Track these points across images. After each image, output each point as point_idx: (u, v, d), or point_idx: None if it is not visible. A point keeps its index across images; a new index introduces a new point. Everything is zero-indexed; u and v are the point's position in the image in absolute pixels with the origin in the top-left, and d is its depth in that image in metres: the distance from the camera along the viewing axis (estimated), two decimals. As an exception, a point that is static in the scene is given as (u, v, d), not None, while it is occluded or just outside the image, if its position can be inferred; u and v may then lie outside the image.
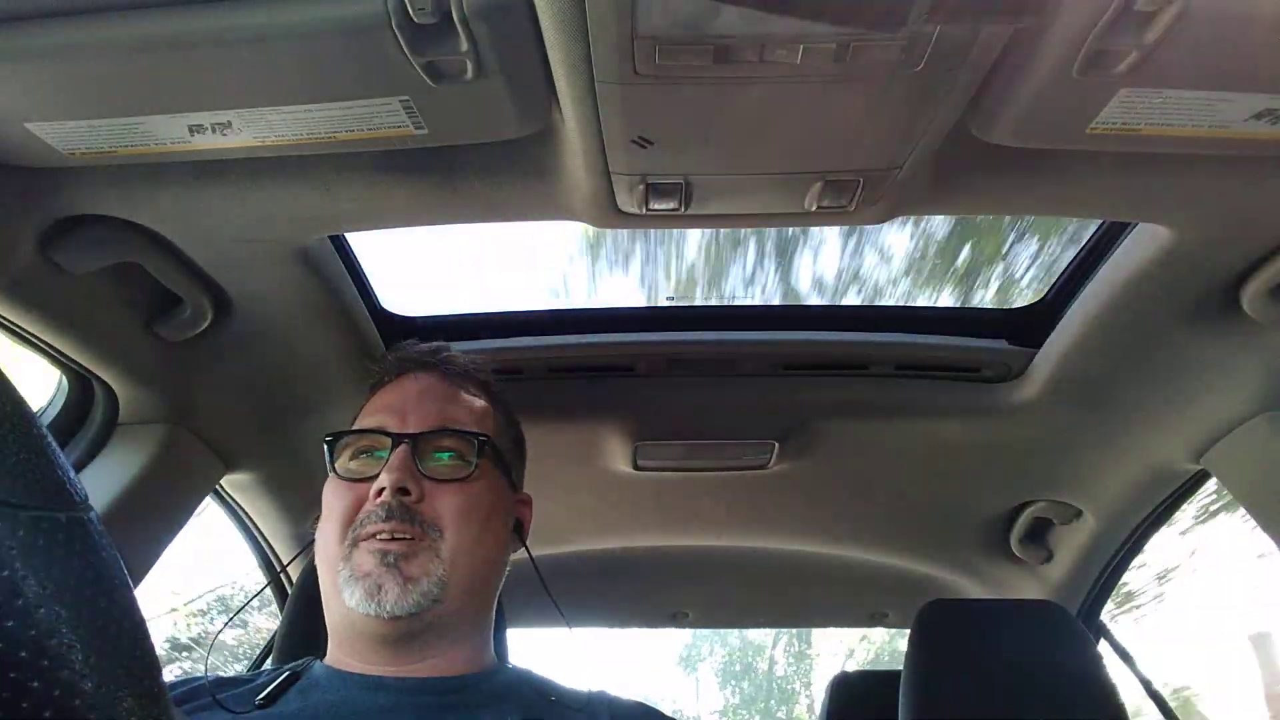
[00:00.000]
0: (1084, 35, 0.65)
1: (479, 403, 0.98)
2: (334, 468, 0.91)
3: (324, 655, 0.91)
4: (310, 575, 1.19)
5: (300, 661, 0.91)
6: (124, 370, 1.13)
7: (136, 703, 0.28)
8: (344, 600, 0.82)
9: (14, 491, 0.27)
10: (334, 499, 0.89)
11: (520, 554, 1.01)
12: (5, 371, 0.29)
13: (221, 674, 0.90)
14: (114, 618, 0.28)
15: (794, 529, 1.74)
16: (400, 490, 0.84)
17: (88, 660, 0.27)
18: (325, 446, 0.92)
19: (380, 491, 0.84)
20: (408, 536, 0.83)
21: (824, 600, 2.11)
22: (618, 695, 0.93)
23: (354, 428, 0.94)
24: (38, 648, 0.25)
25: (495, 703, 0.84)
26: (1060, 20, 0.64)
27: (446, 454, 0.90)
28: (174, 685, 0.86)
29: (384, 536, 0.83)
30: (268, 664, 1.34)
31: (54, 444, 0.29)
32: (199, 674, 0.88)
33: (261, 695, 0.82)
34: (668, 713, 0.93)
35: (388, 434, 0.89)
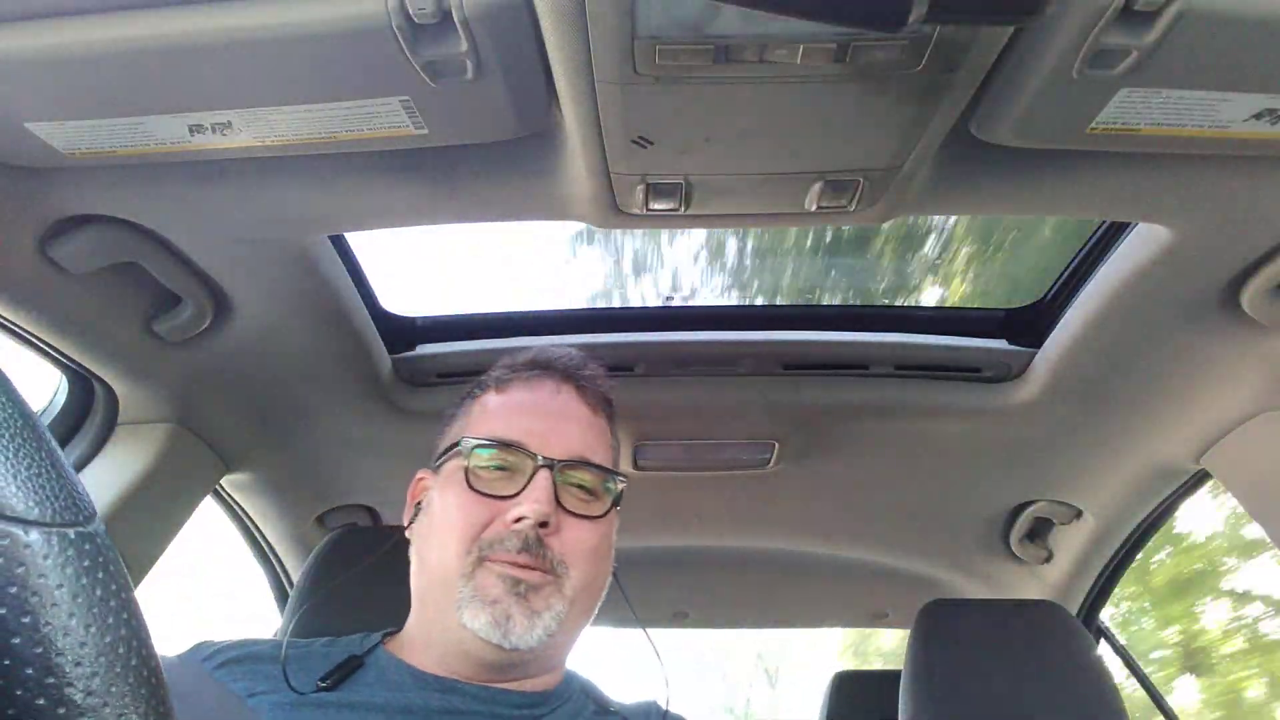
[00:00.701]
0: (1084, 35, 0.65)
1: (603, 423, 0.94)
2: (466, 473, 0.84)
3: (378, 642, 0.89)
4: (313, 576, 1.19)
5: (356, 641, 0.88)
6: (124, 370, 1.13)
7: None
8: (461, 620, 0.79)
9: (24, 507, 0.26)
10: (462, 510, 0.83)
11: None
12: (14, 383, 0.29)
13: (246, 639, 0.88)
14: (120, 635, 0.28)
15: (794, 529, 1.75)
16: (539, 523, 0.81)
17: (93, 677, 0.26)
18: (456, 446, 0.87)
19: (519, 519, 0.80)
20: (537, 569, 0.80)
21: (824, 600, 2.11)
22: (666, 707, 0.93)
23: (485, 433, 0.87)
24: (44, 665, 0.25)
25: (565, 717, 0.84)
26: (1060, 20, 0.64)
27: (583, 487, 0.86)
28: (227, 647, 0.85)
29: (515, 564, 0.80)
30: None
31: (63, 457, 0.29)
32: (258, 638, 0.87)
33: (324, 678, 0.81)
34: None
35: (529, 453, 0.84)
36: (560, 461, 0.85)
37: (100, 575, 0.28)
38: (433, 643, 0.85)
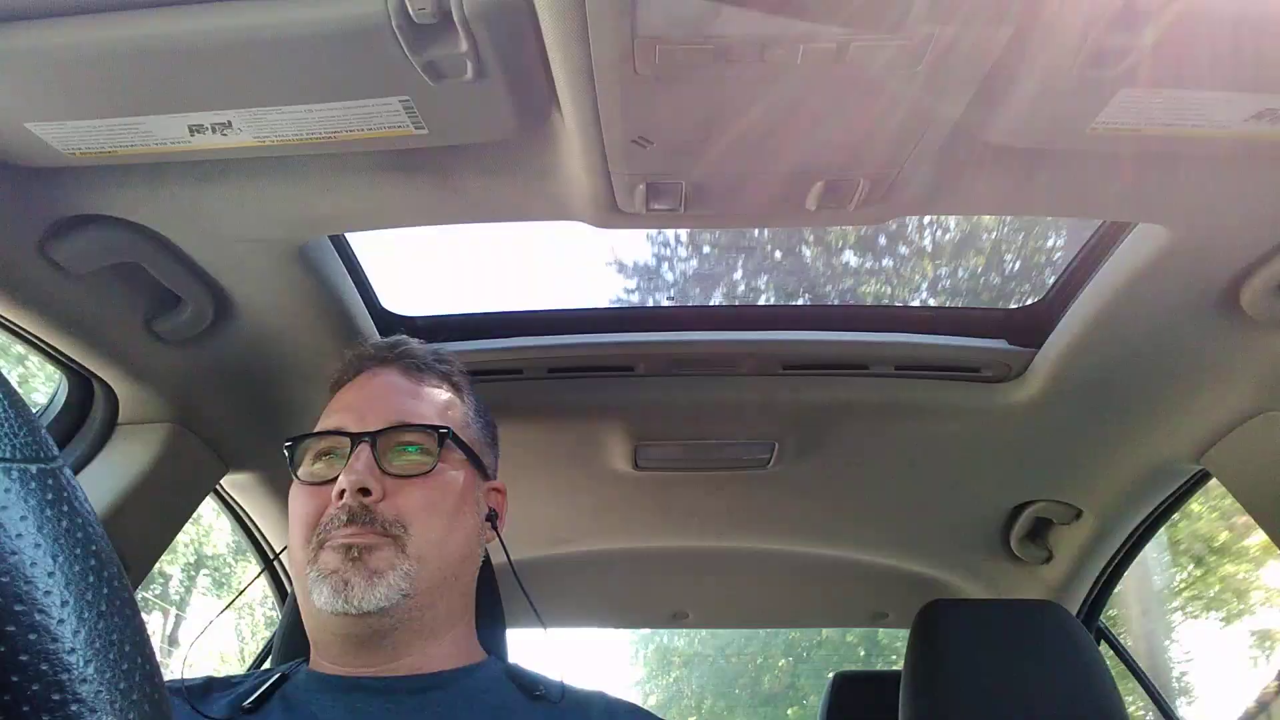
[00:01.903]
0: (1084, 35, 0.65)
1: (442, 394, 0.96)
2: (296, 472, 0.90)
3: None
4: None
5: (292, 663, 0.90)
6: (124, 370, 1.13)
7: (123, 657, 0.27)
8: (315, 604, 0.81)
9: None
10: (297, 504, 0.87)
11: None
12: None
13: (214, 676, 0.90)
14: (91, 567, 0.27)
15: (794, 529, 1.74)
16: (361, 491, 0.82)
17: (65, 606, 0.26)
18: (285, 452, 0.91)
19: (341, 494, 0.82)
20: (369, 538, 0.82)
21: (824, 600, 2.11)
22: (616, 698, 0.92)
23: (314, 430, 0.93)
24: (12, 593, 0.24)
25: (473, 698, 0.84)
26: (1060, 20, 0.64)
27: (408, 448, 0.88)
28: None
29: (346, 536, 0.82)
30: (266, 665, 1.34)
31: (22, 398, 0.29)
32: (189, 677, 0.87)
33: (249, 700, 0.81)
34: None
35: (345, 434, 0.87)
36: (377, 432, 0.86)
37: (65, 509, 0.27)
38: (316, 640, 0.87)
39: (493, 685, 0.87)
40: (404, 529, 0.83)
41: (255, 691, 0.83)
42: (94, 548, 0.28)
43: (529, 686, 0.88)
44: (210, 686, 0.87)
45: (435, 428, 0.89)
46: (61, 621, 0.25)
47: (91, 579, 0.27)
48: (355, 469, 0.83)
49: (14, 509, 0.25)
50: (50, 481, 0.27)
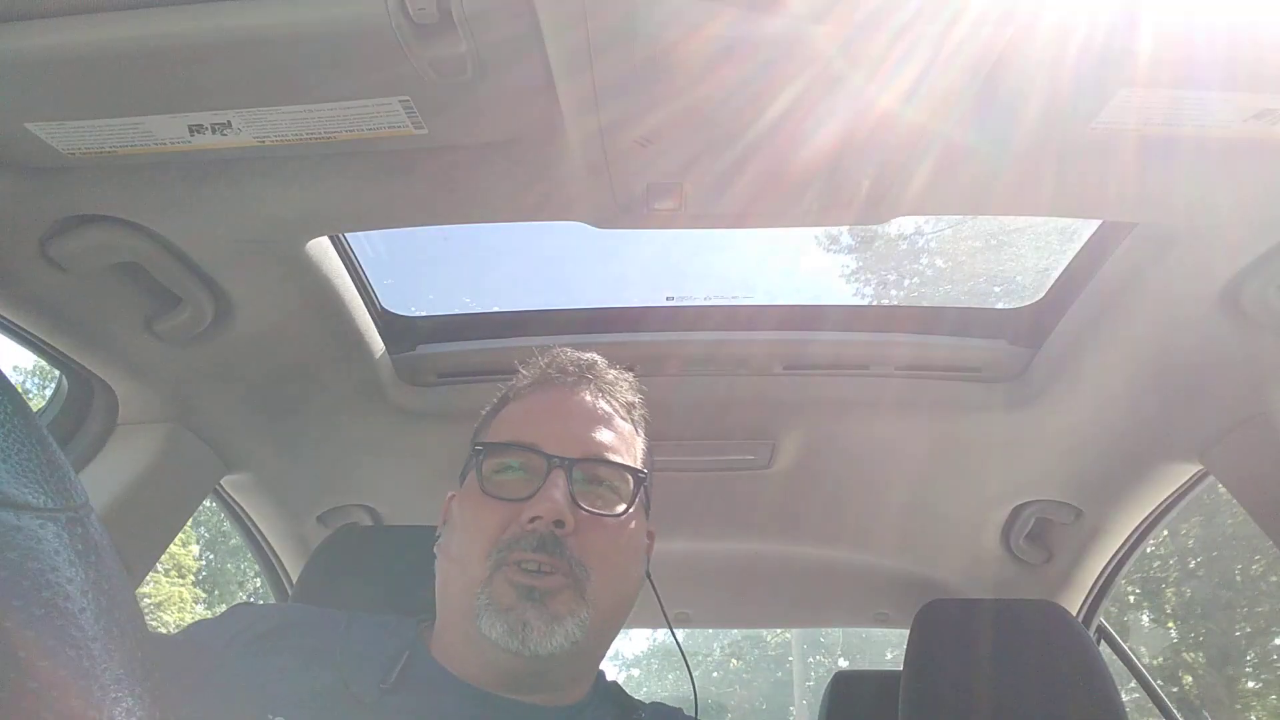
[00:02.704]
0: (1084, 35, 0.65)
1: (628, 427, 0.91)
2: (480, 479, 0.84)
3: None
4: (312, 575, 1.19)
5: (397, 626, 0.87)
6: (124, 370, 1.13)
7: (136, 703, 0.28)
8: (480, 629, 0.77)
9: (15, 493, 0.27)
10: (478, 515, 0.82)
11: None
12: (5, 375, 0.29)
13: (286, 616, 0.86)
14: (114, 620, 0.28)
15: (794, 529, 1.74)
16: (556, 522, 0.78)
17: (85, 660, 0.27)
18: (471, 453, 0.87)
19: (535, 519, 0.78)
20: (554, 573, 0.78)
21: (824, 600, 2.11)
22: (694, 713, 0.92)
23: (501, 439, 0.87)
24: (38, 648, 0.25)
25: None
26: (1060, 20, 0.64)
27: (600, 485, 0.84)
28: (264, 614, 0.84)
29: (530, 566, 0.78)
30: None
31: (54, 444, 0.30)
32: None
33: (386, 680, 0.79)
34: None
35: (544, 455, 0.82)
36: (575, 460, 0.83)
37: (92, 559, 0.29)
38: (458, 650, 0.84)
39: (602, 716, 0.87)
40: (586, 571, 0.79)
41: (393, 669, 0.80)
42: (117, 597, 0.30)
43: (626, 706, 0.89)
44: (315, 618, 0.85)
45: (633, 470, 0.86)
46: (82, 675, 0.27)
47: (115, 632, 0.29)
48: (554, 497, 0.79)
49: (42, 563, 0.28)
50: (78, 531, 0.29)
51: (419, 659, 0.83)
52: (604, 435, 0.87)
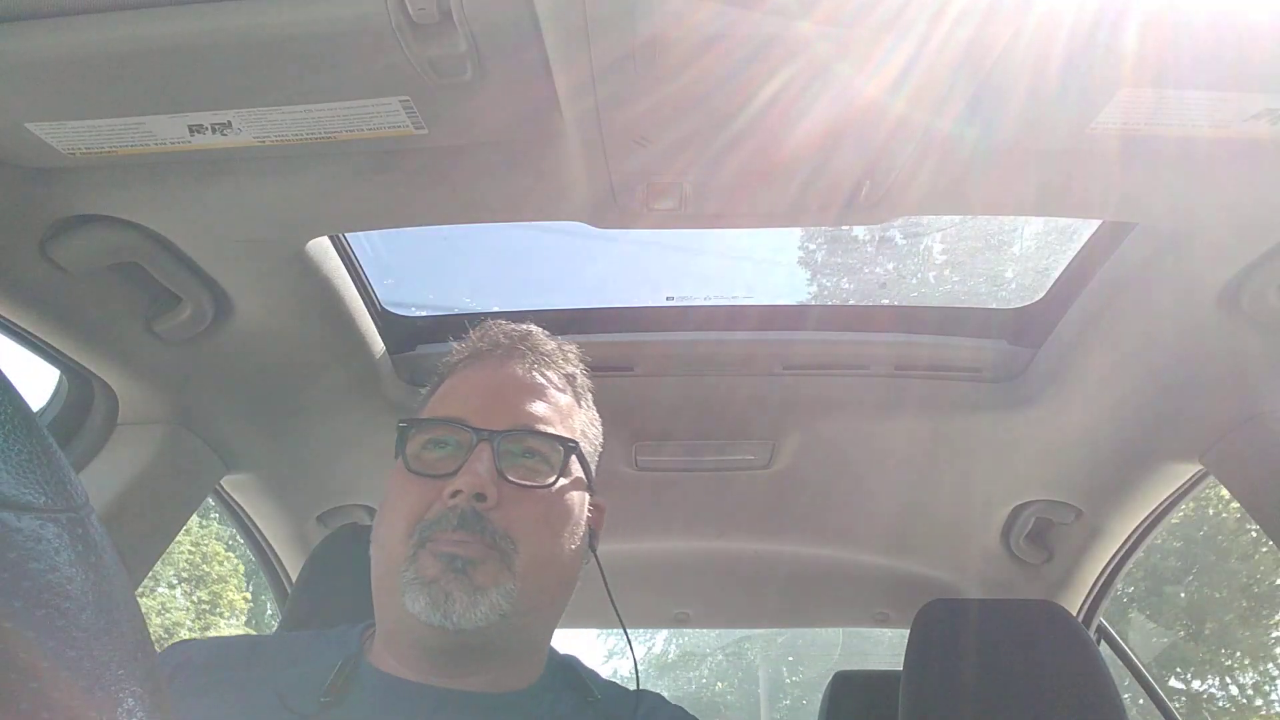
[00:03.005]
0: (1084, 35, 0.65)
1: (564, 398, 0.90)
2: (405, 457, 0.82)
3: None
4: (312, 575, 1.19)
5: (341, 637, 0.85)
6: (124, 370, 1.13)
7: (137, 703, 0.28)
8: (405, 605, 0.75)
9: (16, 494, 0.27)
10: (402, 492, 0.81)
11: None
12: (4, 374, 0.29)
13: (252, 634, 0.84)
14: (114, 620, 0.28)
15: (794, 529, 1.74)
16: (477, 496, 0.77)
17: (85, 662, 0.27)
18: (398, 432, 0.84)
19: (456, 494, 0.77)
20: (477, 547, 0.76)
21: (824, 600, 2.11)
22: (661, 698, 0.90)
23: (430, 415, 0.86)
24: (38, 649, 0.25)
25: (539, 715, 0.80)
26: (1060, 20, 0.64)
27: (529, 456, 0.82)
28: (200, 648, 0.82)
29: (453, 541, 0.76)
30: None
31: (54, 444, 0.30)
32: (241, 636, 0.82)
33: (325, 694, 0.76)
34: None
35: (468, 427, 0.81)
36: (502, 433, 0.81)
37: (93, 560, 0.29)
38: (391, 639, 0.82)
39: (555, 702, 0.83)
40: (513, 544, 0.78)
41: (328, 680, 0.77)
42: (117, 598, 0.30)
43: (585, 692, 0.86)
44: (255, 646, 0.82)
45: (563, 440, 0.84)
46: (83, 677, 0.28)
47: (114, 634, 0.29)
48: (476, 470, 0.77)
49: (41, 563, 0.28)
50: (78, 531, 0.29)
51: (359, 665, 0.81)
52: (535, 406, 0.85)
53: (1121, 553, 1.60)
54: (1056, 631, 1.26)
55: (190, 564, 14.64)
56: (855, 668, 1.86)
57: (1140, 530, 1.54)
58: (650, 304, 1.36)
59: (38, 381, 1.18)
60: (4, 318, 0.98)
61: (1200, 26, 0.64)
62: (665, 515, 1.70)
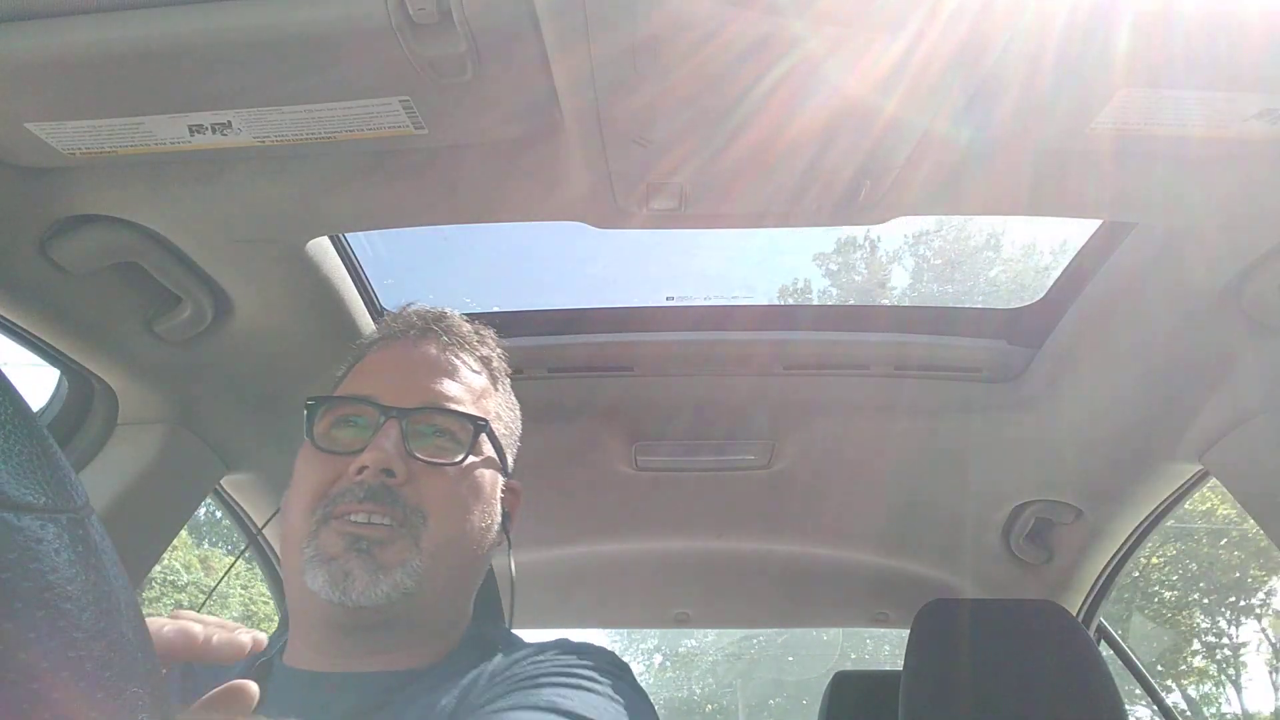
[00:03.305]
0: (1083, 35, 0.65)
1: (479, 380, 0.89)
2: (312, 436, 0.81)
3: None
4: None
5: (267, 654, 0.81)
6: (124, 370, 1.13)
7: (138, 704, 0.28)
8: (306, 584, 0.74)
9: (16, 494, 0.27)
10: (307, 470, 0.80)
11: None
12: (4, 372, 0.29)
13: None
14: (114, 621, 0.28)
15: (794, 529, 1.75)
16: (384, 471, 0.76)
17: (86, 663, 0.27)
18: (306, 411, 0.83)
19: (362, 469, 0.76)
20: (385, 521, 0.75)
21: (824, 600, 2.11)
22: (566, 640, 0.86)
23: (339, 393, 0.86)
24: (38, 650, 0.26)
25: (440, 685, 0.77)
26: (1058, 21, 0.64)
27: (439, 435, 0.82)
28: None
29: (359, 519, 0.75)
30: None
31: (54, 444, 0.30)
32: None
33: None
34: None
35: (376, 405, 0.80)
36: (410, 410, 0.80)
37: (93, 561, 0.29)
38: (296, 622, 0.80)
39: (467, 669, 0.80)
40: (423, 518, 0.77)
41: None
42: (118, 599, 0.30)
43: (487, 652, 0.82)
44: (185, 678, 0.80)
45: (473, 418, 0.83)
46: (86, 678, 0.28)
47: (114, 635, 0.29)
48: (383, 446, 0.77)
49: (41, 564, 0.28)
50: (78, 532, 0.29)
51: (272, 665, 0.79)
52: (445, 386, 0.85)
53: (1121, 553, 1.60)
54: (1056, 631, 1.26)
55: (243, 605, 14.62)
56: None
57: (1140, 530, 1.55)
58: (650, 304, 1.36)
59: (38, 381, 1.18)
60: (4, 318, 0.98)
61: (1198, 27, 0.64)
62: (664, 515, 1.70)
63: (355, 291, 1.19)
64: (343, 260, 1.15)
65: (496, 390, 0.92)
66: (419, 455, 0.79)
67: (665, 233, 1.04)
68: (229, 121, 0.78)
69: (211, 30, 0.67)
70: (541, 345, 1.32)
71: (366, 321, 1.24)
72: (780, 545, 1.80)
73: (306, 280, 1.09)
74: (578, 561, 1.82)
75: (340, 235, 1.14)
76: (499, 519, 0.88)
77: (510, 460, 0.93)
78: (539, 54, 0.72)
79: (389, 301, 1.32)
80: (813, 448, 1.46)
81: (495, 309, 1.40)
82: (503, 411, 0.92)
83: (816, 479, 1.56)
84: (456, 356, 0.88)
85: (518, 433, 0.98)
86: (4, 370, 0.29)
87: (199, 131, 0.79)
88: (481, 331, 0.93)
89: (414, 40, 0.67)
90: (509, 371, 0.96)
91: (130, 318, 1.08)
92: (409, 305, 0.93)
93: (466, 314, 1.43)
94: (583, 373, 1.34)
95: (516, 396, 0.99)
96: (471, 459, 0.82)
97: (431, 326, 0.90)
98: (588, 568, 1.85)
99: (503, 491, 0.89)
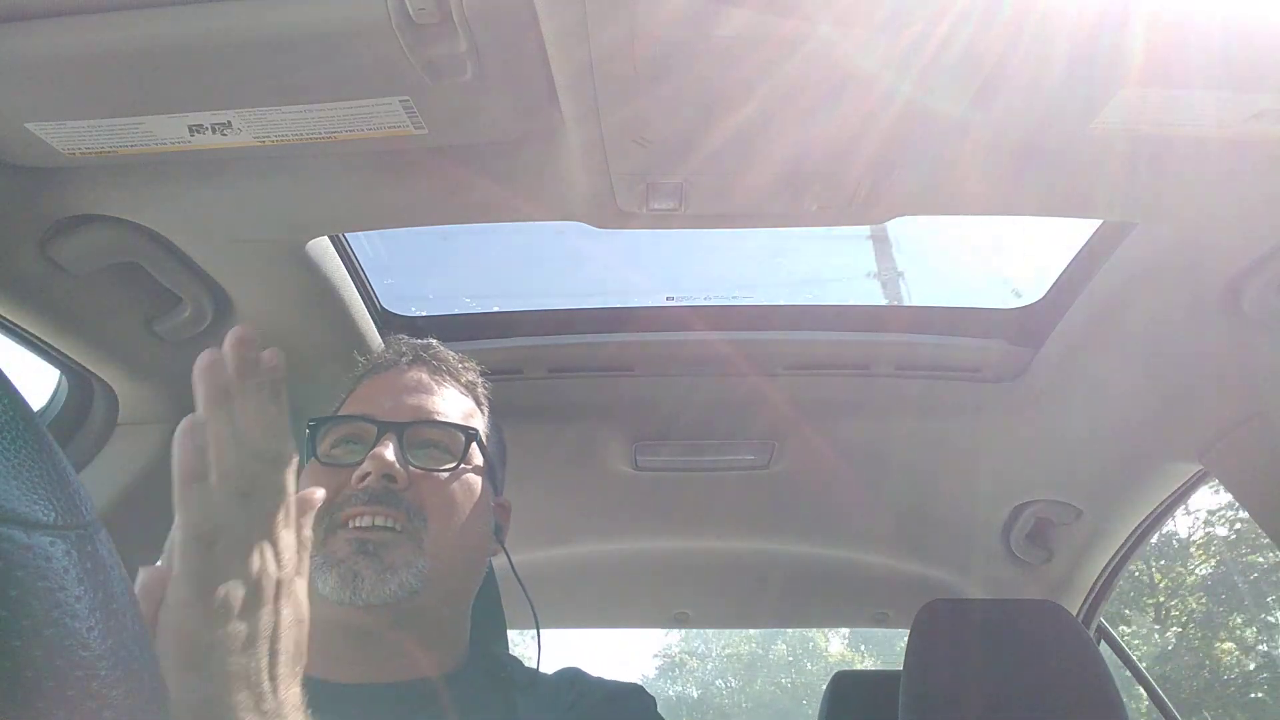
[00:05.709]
0: (1083, 35, 0.65)
1: (466, 402, 0.97)
2: (316, 455, 0.87)
3: None
4: None
5: None
6: (124, 370, 1.13)
7: (151, 716, 0.28)
8: (316, 589, 0.76)
9: (26, 510, 0.27)
10: (314, 482, 0.83)
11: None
12: (16, 387, 0.29)
13: None
14: (121, 640, 0.28)
15: (794, 529, 1.75)
16: (386, 476, 0.81)
17: (93, 682, 0.27)
18: (307, 432, 0.88)
19: (365, 476, 0.81)
20: (390, 524, 0.80)
21: (824, 600, 2.11)
22: (580, 671, 0.92)
23: (340, 414, 0.92)
24: (45, 668, 0.25)
25: (458, 705, 0.80)
26: (1061, 20, 0.64)
27: (433, 447, 0.88)
28: None
29: (364, 523, 0.79)
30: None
31: (65, 460, 0.30)
32: None
33: None
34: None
35: (375, 421, 0.86)
36: (405, 424, 0.86)
37: (101, 576, 0.29)
38: (311, 634, 0.83)
39: (477, 688, 0.85)
40: (424, 519, 0.82)
41: None
42: (123, 614, 0.30)
43: (510, 677, 0.87)
44: None
45: (463, 428, 0.90)
46: (91, 696, 0.28)
47: (121, 652, 0.29)
48: (383, 454, 0.82)
49: (50, 581, 0.28)
50: (86, 548, 0.30)
51: None
52: (436, 403, 0.91)
53: (1122, 553, 1.60)
54: (1057, 631, 1.26)
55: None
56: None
57: (1140, 530, 1.55)
58: (650, 304, 1.36)
59: (38, 381, 1.18)
60: (4, 318, 0.98)
61: (1201, 26, 0.64)
62: (665, 515, 1.70)
63: (355, 291, 1.19)
64: (343, 260, 1.15)
65: (481, 414, 0.99)
66: (415, 465, 0.85)
67: (665, 233, 1.04)
68: (229, 121, 0.78)
69: (211, 30, 0.67)
70: (541, 345, 1.32)
71: (366, 322, 1.24)
72: (780, 545, 1.80)
73: (306, 280, 1.09)
74: (578, 561, 1.82)
75: (340, 235, 1.14)
76: (491, 529, 0.94)
77: (500, 480, 1.00)
78: (539, 54, 0.72)
79: (389, 301, 1.32)
80: (813, 448, 1.46)
81: (495, 309, 1.40)
82: (489, 432, 0.99)
83: (816, 479, 1.56)
84: (444, 381, 0.96)
85: (504, 456, 1.04)
86: (18, 389, 0.29)
87: (199, 131, 0.79)
88: (465, 361, 1.01)
89: (414, 40, 0.67)
90: (489, 398, 1.03)
91: (130, 318, 1.08)
92: (397, 337, 1.02)
93: (466, 314, 1.43)
94: (583, 373, 1.34)
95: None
96: (464, 466, 0.88)
97: (421, 355, 0.98)
98: (588, 568, 1.85)
99: (494, 504, 0.96)
